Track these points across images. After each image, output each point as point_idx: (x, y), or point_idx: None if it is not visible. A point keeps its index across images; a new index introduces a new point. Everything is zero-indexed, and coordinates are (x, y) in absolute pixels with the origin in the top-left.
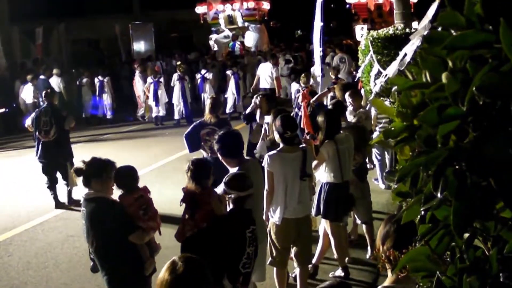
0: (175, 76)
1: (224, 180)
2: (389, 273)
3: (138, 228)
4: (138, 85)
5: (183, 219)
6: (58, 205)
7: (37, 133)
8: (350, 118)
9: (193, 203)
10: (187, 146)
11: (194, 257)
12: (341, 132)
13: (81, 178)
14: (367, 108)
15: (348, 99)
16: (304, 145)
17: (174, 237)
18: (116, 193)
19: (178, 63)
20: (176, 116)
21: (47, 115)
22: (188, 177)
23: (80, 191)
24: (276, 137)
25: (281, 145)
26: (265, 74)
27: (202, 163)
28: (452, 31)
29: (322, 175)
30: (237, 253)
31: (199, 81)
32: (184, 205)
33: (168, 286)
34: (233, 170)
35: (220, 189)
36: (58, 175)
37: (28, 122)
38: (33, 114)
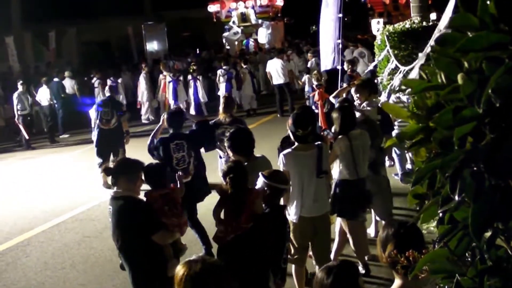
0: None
1: (264, 177)
2: (396, 278)
3: (162, 228)
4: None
5: (224, 222)
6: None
7: (98, 122)
8: (358, 114)
9: (238, 205)
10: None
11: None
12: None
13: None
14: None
15: (354, 94)
16: (319, 142)
17: (189, 237)
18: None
19: (193, 63)
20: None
21: (108, 107)
22: (227, 182)
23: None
24: (290, 135)
25: (295, 144)
26: (275, 70)
27: (239, 167)
28: (468, 33)
29: (336, 172)
30: (280, 249)
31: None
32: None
33: (184, 285)
34: None
35: (259, 185)
36: None
37: (93, 114)
38: (94, 106)
